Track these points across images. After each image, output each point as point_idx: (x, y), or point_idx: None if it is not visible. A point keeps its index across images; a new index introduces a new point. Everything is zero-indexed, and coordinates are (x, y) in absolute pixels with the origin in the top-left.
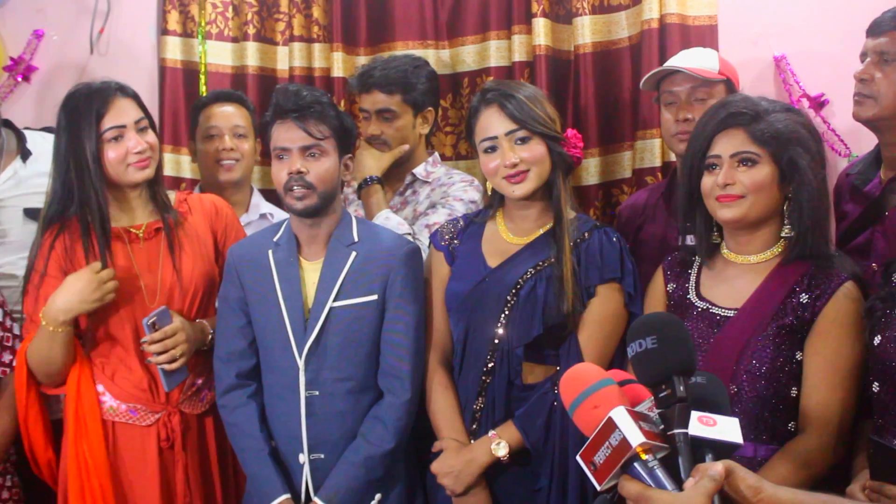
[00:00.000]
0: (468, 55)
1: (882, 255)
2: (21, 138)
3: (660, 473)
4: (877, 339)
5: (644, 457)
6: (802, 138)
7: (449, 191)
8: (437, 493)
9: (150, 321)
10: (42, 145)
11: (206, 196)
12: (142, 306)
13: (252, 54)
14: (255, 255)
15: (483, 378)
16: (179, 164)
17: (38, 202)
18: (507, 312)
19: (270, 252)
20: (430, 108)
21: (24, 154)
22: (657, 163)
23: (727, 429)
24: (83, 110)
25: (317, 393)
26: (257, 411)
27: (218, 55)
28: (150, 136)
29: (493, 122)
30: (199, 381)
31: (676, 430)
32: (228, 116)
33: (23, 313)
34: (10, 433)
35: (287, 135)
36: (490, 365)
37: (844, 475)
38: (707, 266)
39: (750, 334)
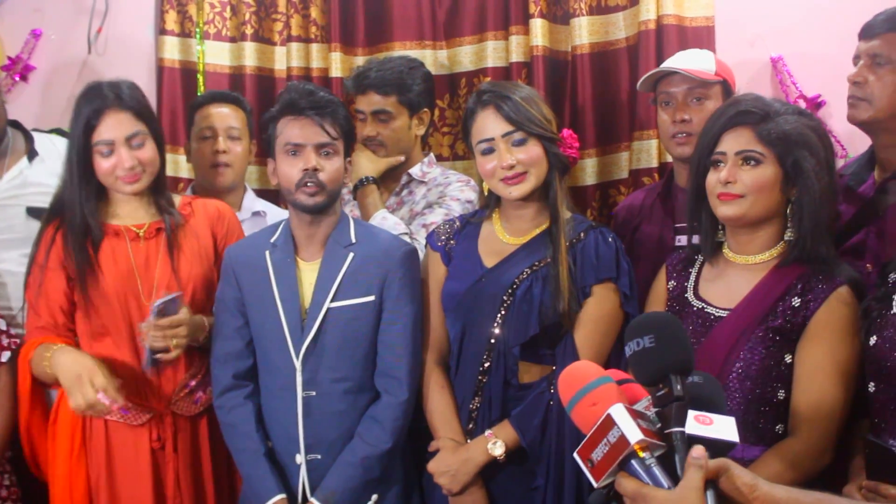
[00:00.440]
0: (465, 56)
1: (876, 256)
2: (29, 139)
3: (657, 471)
4: (873, 340)
5: (641, 454)
6: (810, 142)
7: (446, 191)
8: (433, 493)
9: (159, 306)
10: (49, 147)
11: (211, 201)
12: (137, 304)
13: (250, 54)
14: (252, 255)
15: (479, 378)
16: (177, 163)
17: (43, 202)
18: (503, 312)
19: (267, 253)
20: (425, 110)
21: (31, 154)
22: (654, 163)
23: (723, 428)
24: (78, 116)
25: (314, 393)
26: (254, 412)
27: (216, 55)
28: (144, 151)
29: (489, 124)
30: (193, 383)
31: (673, 429)
32: (223, 117)
33: (24, 299)
34: (6, 432)
35: (302, 132)
36: (486, 364)
37: (839, 476)
38: (710, 264)
39: (739, 335)
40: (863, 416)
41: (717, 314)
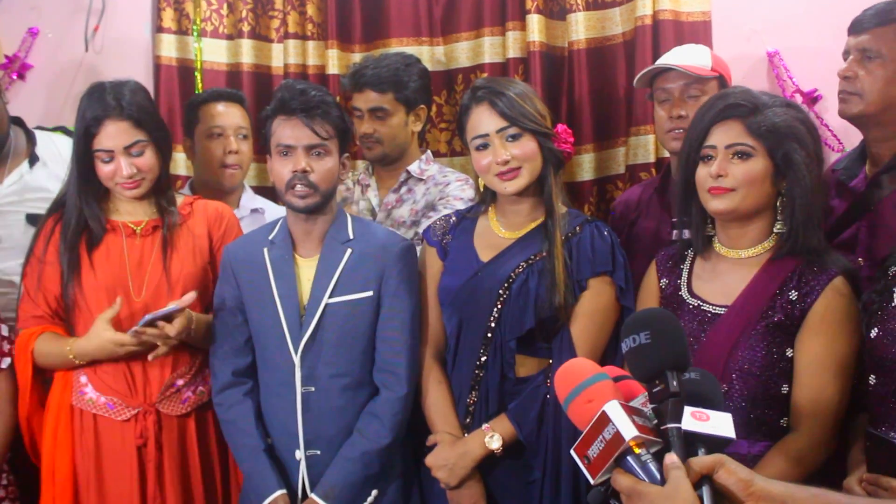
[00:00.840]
0: (462, 52)
1: (867, 250)
2: (31, 139)
3: (653, 467)
4: (873, 332)
5: (637, 451)
6: (800, 134)
7: (447, 190)
8: (432, 487)
9: (150, 321)
10: (51, 149)
11: (213, 202)
12: (127, 300)
13: (247, 52)
14: (250, 253)
15: (476, 372)
16: (175, 161)
17: (42, 209)
18: (499, 306)
19: (266, 250)
20: (422, 106)
21: (32, 159)
22: (651, 159)
23: (720, 424)
24: (80, 120)
25: (313, 389)
26: (253, 408)
27: (213, 52)
28: (144, 159)
29: (483, 120)
30: (180, 382)
31: (669, 425)
32: (233, 116)
33: (21, 287)
34: (6, 437)
35: (293, 133)
36: (483, 359)
37: (838, 469)
38: (701, 259)
39: (739, 332)
40: (860, 410)
41: (713, 311)
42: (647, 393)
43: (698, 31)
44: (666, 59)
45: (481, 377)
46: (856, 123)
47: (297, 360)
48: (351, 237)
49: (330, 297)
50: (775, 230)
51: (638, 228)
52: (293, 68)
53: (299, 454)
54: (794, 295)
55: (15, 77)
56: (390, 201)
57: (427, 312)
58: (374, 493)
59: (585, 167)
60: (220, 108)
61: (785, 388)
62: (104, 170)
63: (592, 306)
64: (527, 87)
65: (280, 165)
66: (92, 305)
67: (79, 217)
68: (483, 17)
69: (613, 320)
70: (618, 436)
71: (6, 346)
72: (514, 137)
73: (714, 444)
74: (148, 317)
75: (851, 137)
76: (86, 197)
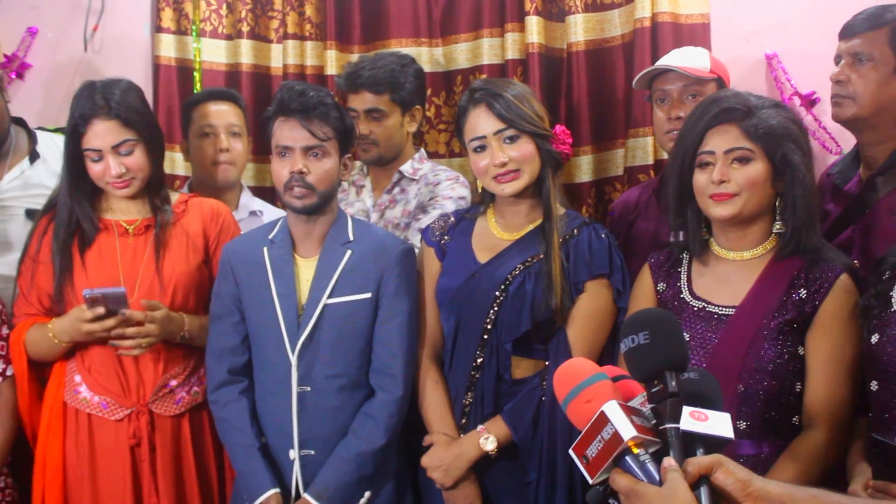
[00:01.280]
0: (461, 53)
1: (863, 252)
2: (32, 139)
3: (651, 467)
4: (874, 338)
5: (636, 451)
6: (794, 134)
7: (437, 190)
8: (428, 488)
9: (92, 296)
10: (52, 148)
11: (209, 200)
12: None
13: (246, 52)
14: (250, 251)
15: (472, 373)
16: (173, 161)
17: (41, 205)
18: (496, 308)
19: (265, 249)
20: (417, 107)
21: (33, 156)
22: (649, 160)
23: (718, 424)
24: (70, 118)
25: (309, 389)
26: (248, 407)
27: (212, 53)
28: (133, 158)
29: (481, 122)
30: (174, 383)
31: (668, 425)
32: (223, 115)
33: (16, 286)
34: (6, 445)
35: (290, 134)
36: (479, 360)
37: (838, 471)
38: (698, 262)
39: (753, 332)
40: (858, 414)
41: (721, 312)
42: (645, 393)
43: (697, 34)
44: (665, 61)
45: (477, 378)
46: (849, 127)
47: (293, 359)
48: (351, 238)
49: (329, 297)
50: (774, 230)
51: (636, 230)
52: (292, 69)
53: (293, 454)
54: (803, 293)
55: (14, 76)
56: (384, 202)
57: (425, 313)
58: (368, 494)
59: (584, 168)
60: (211, 107)
61: (799, 387)
62: (94, 169)
63: (589, 309)
64: (525, 89)
65: (279, 166)
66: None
67: (70, 216)
68: (482, 18)
69: (610, 323)
70: (616, 436)
71: (10, 355)
72: (512, 139)
73: (713, 444)
74: (94, 291)
75: (849, 140)
76: (77, 196)
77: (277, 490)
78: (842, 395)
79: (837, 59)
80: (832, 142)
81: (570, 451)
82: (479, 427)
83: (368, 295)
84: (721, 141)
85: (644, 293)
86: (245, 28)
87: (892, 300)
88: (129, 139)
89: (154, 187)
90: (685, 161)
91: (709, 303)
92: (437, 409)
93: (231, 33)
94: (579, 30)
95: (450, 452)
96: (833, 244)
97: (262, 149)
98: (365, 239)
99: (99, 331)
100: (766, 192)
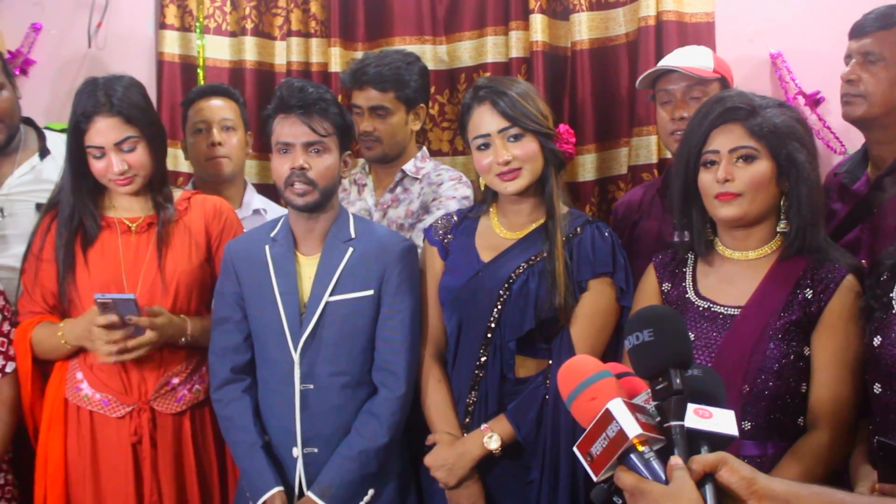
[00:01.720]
0: (465, 51)
1: (871, 252)
2: (41, 137)
3: (656, 465)
4: (877, 340)
5: (640, 448)
6: (798, 133)
7: (440, 190)
8: (431, 487)
9: (104, 301)
10: (60, 145)
11: (211, 197)
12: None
13: (250, 49)
14: (251, 250)
15: (476, 372)
16: (177, 157)
17: None
18: (499, 306)
19: (267, 247)
20: (421, 105)
21: (43, 152)
22: (653, 159)
23: (723, 421)
24: (72, 115)
25: (311, 387)
26: (251, 405)
27: (216, 49)
28: (135, 155)
29: (485, 120)
30: (176, 381)
31: (672, 423)
32: (216, 110)
33: (20, 284)
34: (8, 438)
35: (291, 130)
36: (483, 359)
37: (840, 472)
38: (703, 261)
39: (759, 332)
40: (862, 417)
41: (726, 312)
42: (649, 390)
43: (701, 33)
44: (668, 61)
45: (481, 377)
46: (859, 126)
47: (296, 357)
48: (353, 236)
49: (331, 295)
50: (779, 230)
51: (640, 229)
52: (296, 66)
53: (296, 452)
54: (809, 293)
55: (18, 72)
56: (386, 201)
57: (427, 312)
58: (371, 492)
59: (587, 167)
60: (204, 103)
61: (804, 387)
62: (96, 166)
63: (592, 307)
64: (529, 87)
65: (279, 163)
66: (86, 303)
67: (73, 213)
68: (486, 16)
69: (613, 321)
70: (621, 433)
71: (12, 351)
72: (516, 138)
73: (717, 441)
74: (104, 296)
75: (853, 140)
76: (80, 193)
77: (281, 488)
78: (846, 395)
79: (847, 59)
80: (836, 141)
81: (575, 449)
82: (483, 426)
83: (370, 292)
84: (726, 140)
85: (649, 293)
86: (249, 25)
87: (893, 302)
88: (132, 136)
89: (156, 184)
90: (690, 161)
91: (714, 303)
92: (441, 408)
93: (235, 30)
94: (583, 28)
95: (453, 451)
96: (841, 244)
97: (265, 146)
98: (366, 236)
99: (105, 339)
100: (770, 192)
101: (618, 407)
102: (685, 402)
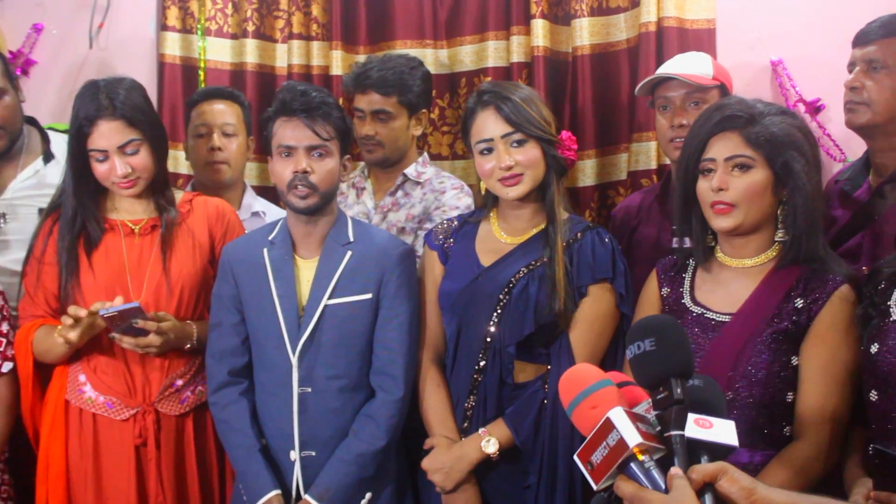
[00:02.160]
0: (466, 55)
1: (872, 259)
2: (45, 139)
3: (656, 474)
4: (874, 348)
5: (641, 457)
6: (798, 142)
7: (443, 199)
8: (428, 491)
9: (111, 314)
10: (63, 148)
11: (213, 199)
12: (126, 299)
13: (251, 51)
14: (250, 253)
15: (475, 376)
16: (177, 160)
17: None
18: (499, 311)
19: (265, 250)
20: (423, 110)
21: (47, 156)
22: (653, 165)
23: (723, 431)
24: (74, 119)
25: (309, 390)
26: (249, 408)
27: (217, 52)
28: (138, 158)
29: (488, 125)
30: (180, 382)
31: (673, 432)
32: (218, 114)
33: (22, 286)
34: (5, 437)
35: (294, 133)
36: (482, 363)
37: (835, 481)
38: (703, 269)
39: (745, 340)
40: (856, 424)
41: (718, 319)
42: (650, 399)
43: (702, 39)
44: (667, 68)
45: (480, 382)
46: (862, 134)
47: (294, 360)
48: (351, 239)
49: (329, 298)
50: (777, 239)
51: (638, 235)
52: (297, 69)
53: (294, 455)
54: (799, 303)
55: (19, 73)
56: (386, 205)
57: (427, 316)
58: (369, 495)
59: (587, 172)
60: (207, 106)
61: (790, 397)
62: (99, 169)
63: (592, 313)
64: (532, 92)
65: (281, 166)
66: (91, 304)
67: (75, 216)
68: (487, 20)
69: (613, 327)
70: (622, 442)
71: (10, 352)
72: (519, 143)
73: (717, 451)
74: (109, 310)
75: (853, 147)
76: (82, 196)
77: (278, 491)
78: (832, 407)
79: (851, 66)
80: (836, 149)
81: (575, 457)
82: (481, 430)
83: (369, 296)
84: (722, 148)
85: (650, 297)
86: (250, 27)
87: (891, 310)
88: (135, 139)
89: (158, 186)
90: (689, 168)
91: (708, 309)
92: (439, 412)
93: (236, 32)
94: (585, 34)
95: (451, 455)
96: (841, 251)
97: (264, 148)
98: (365, 240)
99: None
100: (766, 201)
101: (619, 416)
102: (686, 411)
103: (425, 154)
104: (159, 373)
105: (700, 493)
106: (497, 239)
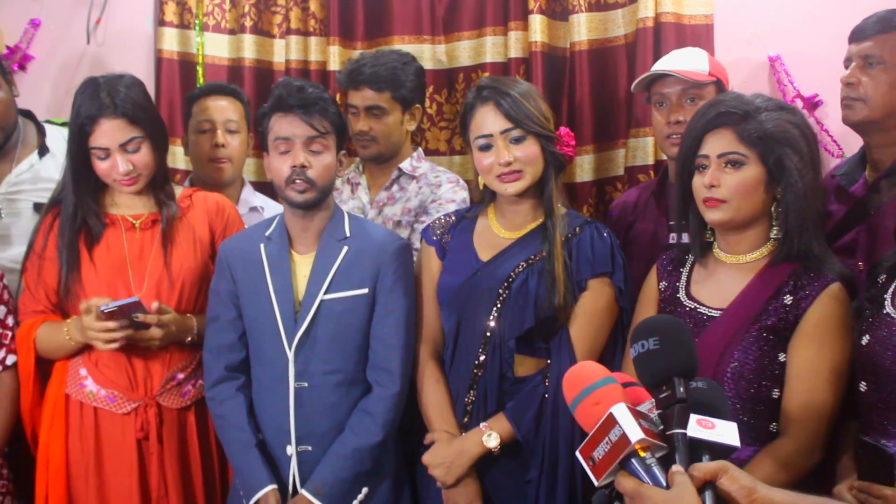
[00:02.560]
0: (464, 51)
1: (867, 254)
2: (41, 132)
3: (657, 471)
4: (865, 339)
5: (642, 454)
6: (792, 138)
7: (439, 192)
8: (427, 486)
9: (110, 310)
10: (59, 141)
11: (212, 195)
12: (127, 294)
13: (249, 47)
14: (246, 248)
15: (475, 371)
16: (174, 155)
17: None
18: (499, 305)
19: (262, 246)
20: (417, 105)
21: (42, 150)
22: (650, 161)
23: (725, 432)
24: (75, 116)
25: (306, 385)
26: (245, 404)
27: (215, 47)
28: (140, 156)
29: (488, 120)
30: (181, 376)
31: (675, 431)
32: (221, 110)
33: (21, 281)
34: (7, 430)
35: (291, 128)
36: (482, 358)
37: (827, 476)
38: (700, 264)
39: (731, 335)
40: (850, 417)
41: (709, 314)
42: (653, 399)
43: (700, 35)
44: (663, 65)
45: (480, 376)
46: (858, 129)
47: (290, 355)
48: (347, 234)
49: (325, 293)
50: (772, 236)
51: (635, 231)
52: (295, 64)
53: (290, 450)
54: (788, 300)
55: (16, 68)
56: (382, 199)
57: (424, 311)
58: (365, 490)
59: (585, 168)
60: (210, 102)
61: (776, 393)
62: (101, 167)
63: (591, 307)
64: (531, 88)
65: (279, 161)
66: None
67: (76, 212)
68: (485, 16)
69: (612, 321)
70: (624, 438)
71: (14, 345)
72: (518, 139)
73: (718, 451)
74: (109, 306)
75: (851, 143)
76: (82, 193)
77: (275, 486)
78: (818, 405)
79: (847, 62)
80: (834, 145)
81: (577, 453)
82: (482, 424)
83: (365, 291)
84: (716, 144)
85: (649, 291)
86: (248, 23)
87: (886, 303)
88: (136, 137)
89: (158, 182)
90: (685, 164)
91: (701, 304)
92: (439, 406)
93: (234, 28)
94: (583, 29)
95: (452, 450)
96: (837, 246)
97: (262, 144)
98: (361, 235)
99: (105, 339)
100: (758, 198)
101: (621, 411)
102: (688, 410)
103: (420, 149)
104: (161, 366)
105: (701, 491)
106: (495, 234)
